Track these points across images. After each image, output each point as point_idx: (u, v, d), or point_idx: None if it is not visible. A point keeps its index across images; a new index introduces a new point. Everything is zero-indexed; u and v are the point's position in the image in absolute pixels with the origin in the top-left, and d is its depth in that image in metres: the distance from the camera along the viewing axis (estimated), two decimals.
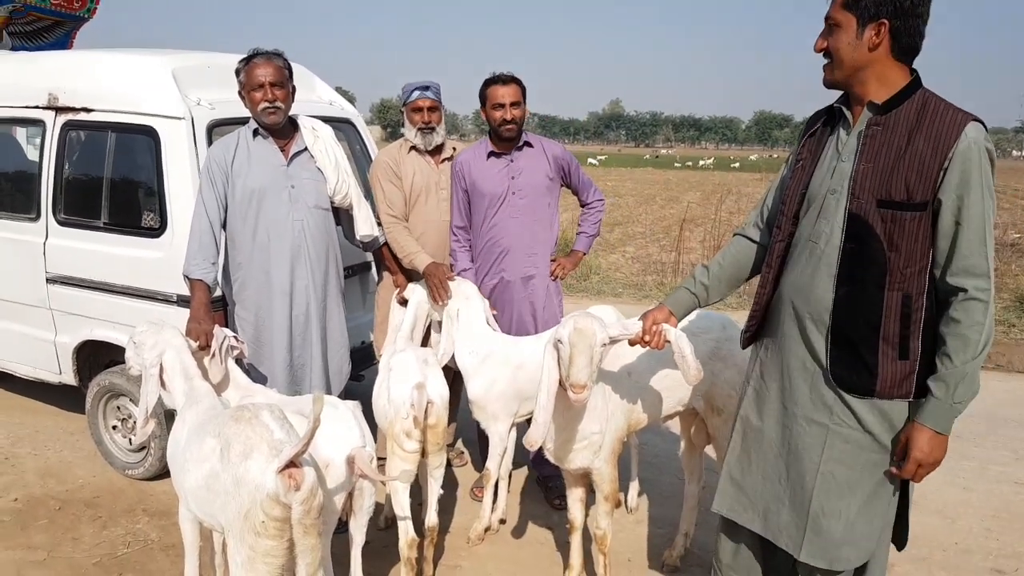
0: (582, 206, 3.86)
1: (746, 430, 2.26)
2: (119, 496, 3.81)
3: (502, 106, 3.45)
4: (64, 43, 10.36)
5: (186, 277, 3.12)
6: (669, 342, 2.35)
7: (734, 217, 15.83)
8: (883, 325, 1.92)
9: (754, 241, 2.36)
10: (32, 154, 5.10)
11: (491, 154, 3.56)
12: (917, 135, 1.85)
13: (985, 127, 1.85)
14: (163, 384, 2.67)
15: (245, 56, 3.17)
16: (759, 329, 2.26)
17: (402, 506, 2.77)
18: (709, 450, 3.20)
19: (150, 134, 3.55)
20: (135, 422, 3.84)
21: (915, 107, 1.88)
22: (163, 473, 3.90)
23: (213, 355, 2.81)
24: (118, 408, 3.97)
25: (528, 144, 3.59)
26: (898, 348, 1.92)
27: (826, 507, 2.03)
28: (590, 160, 53.72)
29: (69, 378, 4.07)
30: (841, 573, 2.09)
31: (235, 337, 2.96)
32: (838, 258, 1.97)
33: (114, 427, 4.02)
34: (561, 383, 2.40)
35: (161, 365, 2.65)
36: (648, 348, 2.42)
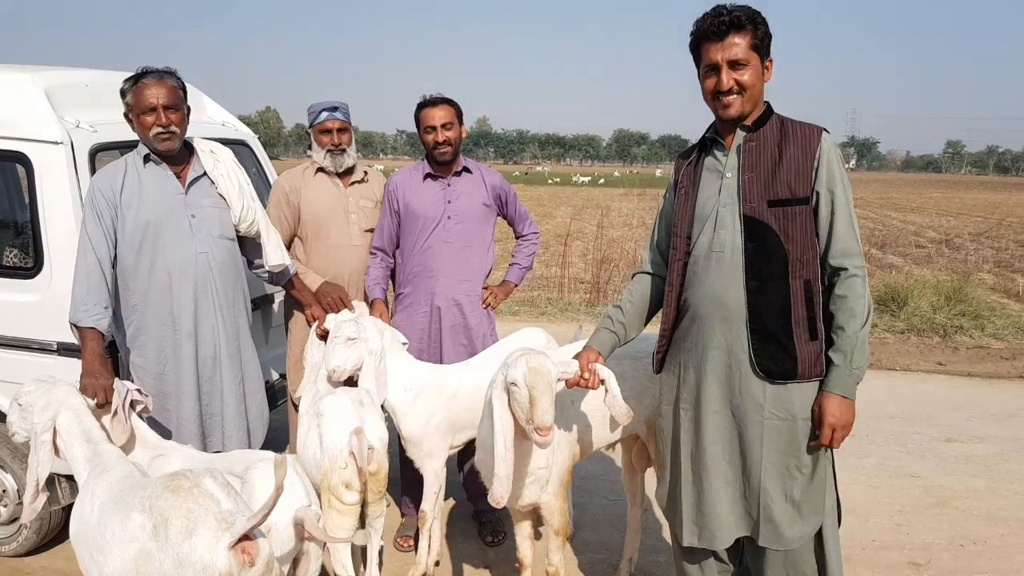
0: (517, 238, 3.78)
1: (693, 454, 2.33)
2: None
3: (433, 128, 3.32)
4: None
5: (74, 325, 2.73)
6: (603, 381, 2.36)
7: (607, 232, 16.28)
8: (793, 311, 2.14)
9: (653, 275, 2.52)
10: None
11: (428, 176, 3.42)
12: (786, 145, 2.16)
13: (830, 133, 2.20)
14: (57, 451, 2.32)
15: (133, 75, 2.84)
16: (669, 351, 2.39)
17: (344, 565, 2.53)
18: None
19: (21, 161, 3.12)
20: (3, 491, 3.40)
21: (776, 125, 2.20)
22: (40, 547, 3.46)
23: (115, 413, 2.47)
24: None
25: (467, 169, 3.47)
26: (808, 330, 2.14)
27: (775, 496, 2.20)
28: None
29: None
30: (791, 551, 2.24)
31: (138, 390, 2.62)
32: (743, 259, 2.17)
33: None
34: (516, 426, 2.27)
35: (55, 429, 2.30)
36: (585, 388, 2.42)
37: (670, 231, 2.40)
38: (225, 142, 3.32)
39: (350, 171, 3.55)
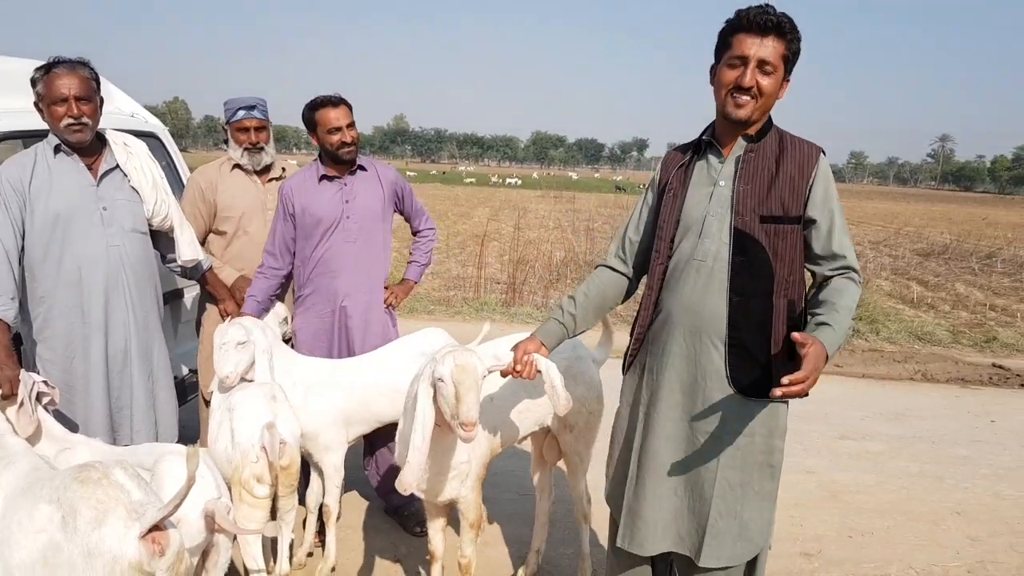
0: (413, 234, 3.82)
1: (640, 457, 2.32)
2: None
3: (339, 129, 3.30)
4: None
5: None
6: (540, 372, 2.38)
7: (524, 233, 16.49)
8: (773, 329, 2.12)
9: (616, 271, 2.48)
10: None
11: (323, 177, 3.41)
12: (783, 160, 2.14)
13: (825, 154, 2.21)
14: None
15: (44, 64, 2.79)
16: (638, 353, 2.37)
17: (255, 557, 2.55)
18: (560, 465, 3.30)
19: None
20: None
21: (775, 138, 2.18)
22: None
23: (21, 404, 2.43)
24: None
25: (362, 168, 3.47)
26: (786, 350, 2.10)
27: (723, 511, 2.19)
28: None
29: None
30: (733, 568, 2.25)
31: (44, 382, 2.58)
32: (728, 272, 2.14)
33: None
34: (439, 421, 2.32)
35: None
36: (519, 378, 2.42)
37: (648, 229, 2.38)
38: (134, 134, 3.28)
39: (268, 168, 3.56)
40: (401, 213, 3.70)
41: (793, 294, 2.14)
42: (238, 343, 2.87)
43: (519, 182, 60.91)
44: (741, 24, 2.08)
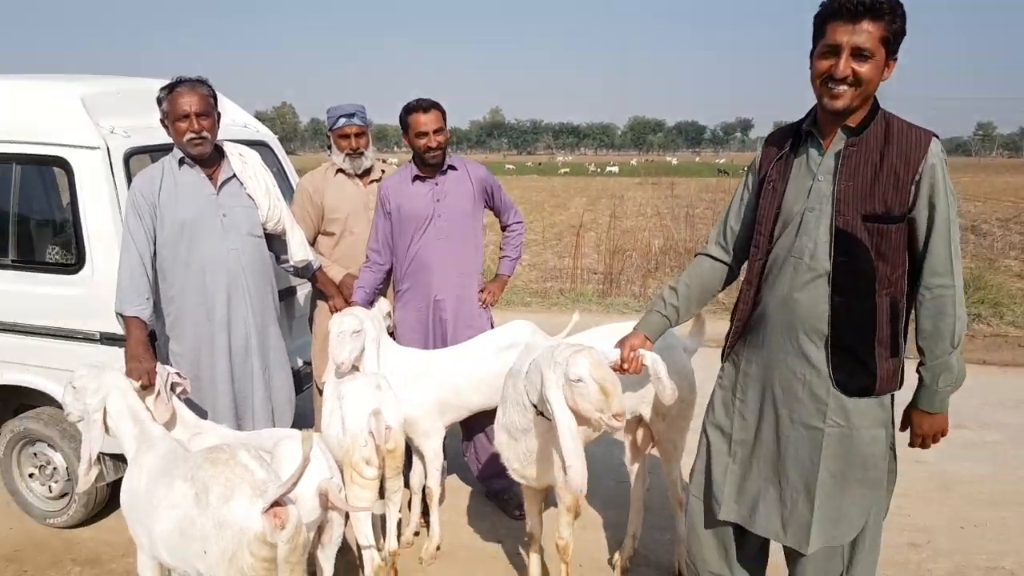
0: (503, 228, 3.96)
1: (743, 442, 2.36)
2: (42, 548, 3.59)
3: (425, 134, 3.48)
4: None
5: (119, 315, 2.99)
6: (646, 366, 2.46)
7: (621, 222, 16.38)
8: (877, 328, 2.08)
9: (717, 259, 2.48)
10: None
11: (416, 178, 3.61)
12: (888, 153, 2.02)
13: (939, 139, 2.06)
14: (107, 429, 2.57)
15: (168, 84, 3.07)
16: (737, 344, 2.38)
17: (366, 534, 2.77)
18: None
19: (62, 165, 3.37)
20: (54, 469, 3.68)
21: (880, 128, 2.05)
22: (88, 520, 3.73)
23: (158, 394, 2.72)
24: (34, 455, 3.72)
25: (452, 167, 3.64)
26: (890, 347, 2.10)
27: (825, 501, 2.20)
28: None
29: None
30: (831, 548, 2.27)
31: (177, 373, 2.87)
32: (829, 271, 2.09)
33: (31, 475, 3.77)
34: (580, 420, 2.39)
35: (105, 409, 2.55)
36: (626, 374, 2.48)
37: (747, 221, 2.35)
38: (247, 143, 3.55)
39: (368, 171, 3.78)
40: (492, 209, 3.84)
41: (896, 291, 2.09)
42: (353, 331, 3.10)
43: (617, 170, 60.12)
44: (832, 9, 1.99)
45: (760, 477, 2.32)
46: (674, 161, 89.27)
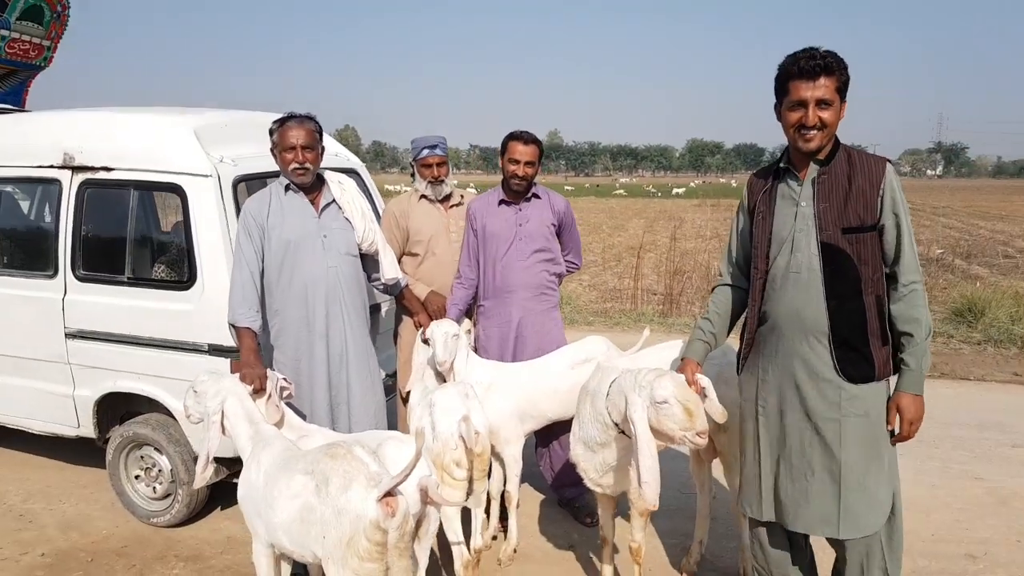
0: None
1: (770, 444, 2.63)
2: (147, 544, 3.90)
3: (518, 162, 3.77)
4: (20, 91, 10.26)
5: (232, 326, 3.29)
6: (704, 388, 2.71)
7: (680, 244, 16.44)
8: (868, 323, 2.44)
9: (734, 286, 2.83)
10: (27, 210, 5.17)
11: (502, 201, 3.88)
12: (855, 176, 2.44)
13: (892, 164, 2.49)
14: (223, 430, 2.84)
15: (280, 117, 3.39)
16: (750, 356, 2.68)
17: (455, 531, 2.99)
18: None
19: (177, 191, 3.71)
20: (159, 471, 3.99)
21: (844, 158, 2.48)
22: (189, 520, 4.04)
23: (269, 397, 2.99)
24: (141, 458, 4.05)
25: (536, 196, 3.92)
26: (880, 337, 2.46)
27: (853, 487, 2.48)
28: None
29: (88, 431, 4.13)
30: (871, 536, 2.52)
31: (284, 379, 3.14)
32: (822, 280, 2.45)
33: (136, 477, 4.10)
34: (660, 438, 2.63)
35: (223, 412, 2.82)
36: None
37: (747, 248, 2.70)
38: (338, 171, 3.85)
39: (448, 197, 4.05)
40: (559, 238, 4.06)
41: (878, 289, 2.44)
42: (453, 335, 3.45)
43: (683, 191, 60.00)
44: (793, 72, 2.39)
45: (790, 476, 2.57)
46: (734, 183, 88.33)
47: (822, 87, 2.37)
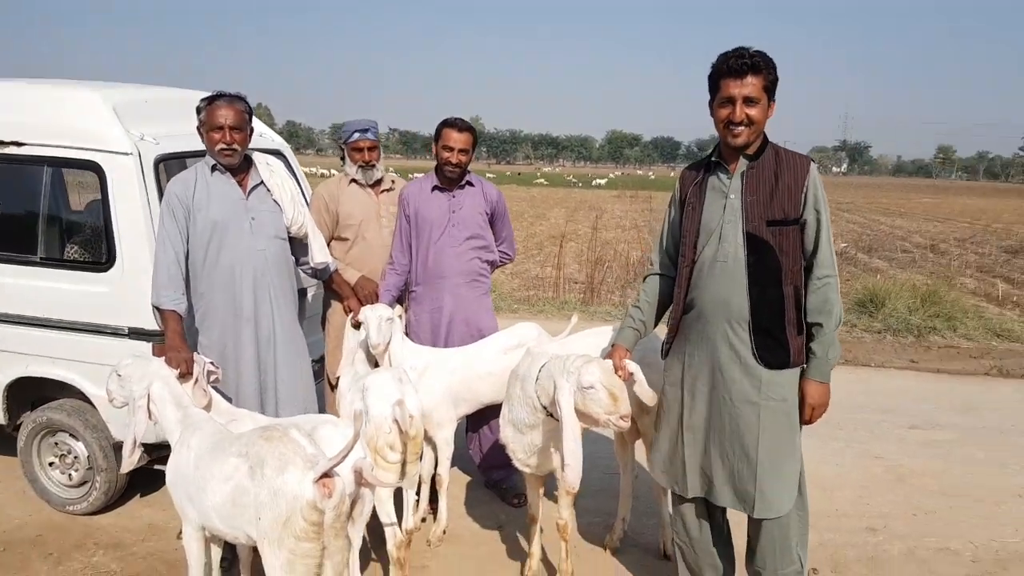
0: None
1: (693, 424, 2.76)
2: (64, 532, 3.78)
3: (451, 149, 3.79)
4: None
5: (156, 308, 3.22)
6: (632, 372, 2.82)
7: (601, 234, 16.75)
8: (786, 312, 2.57)
9: (663, 275, 2.94)
10: None
11: (435, 188, 3.89)
12: (781, 172, 2.56)
13: (815, 163, 2.63)
14: (150, 415, 2.78)
15: (209, 96, 3.31)
16: (675, 340, 2.81)
17: (388, 513, 3.02)
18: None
19: (95, 169, 3.57)
20: (75, 457, 3.86)
21: (772, 154, 2.60)
22: (106, 507, 3.93)
23: (196, 381, 2.95)
24: (55, 444, 3.91)
25: (470, 183, 3.96)
26: (796, 326, 2.58)
27: (769, 469, 2.62)
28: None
29: None
30: (781, 518, 2.68)
31: (211, 363, 3.10)
32: (745, 269, 2.56)
33: (51, 464, 3.96)
34: (586, 421, 2.73)
35: (149, 396, 2.77)
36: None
37: (677, 239, 2.80)
38: (262, 152, 3.77)
39: (379, 181, 4.05)
40: (492, 227, 4.11)
41: (797, 281, 2.57)
42: (387, 318, 3.46)
43: (604, 182, 60.69)
44: (723, 70, 2.51)
45: (714, 455, 2.71)
46: (652, 176, 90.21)
47: (749, 85, 2.47)
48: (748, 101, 2.49)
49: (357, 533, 2.73)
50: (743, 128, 2.52)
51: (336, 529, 2.28)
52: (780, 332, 2.57)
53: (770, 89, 2.52)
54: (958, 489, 4.53)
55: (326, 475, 2.23)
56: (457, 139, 3.80)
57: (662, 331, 2.95)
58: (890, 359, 7.59)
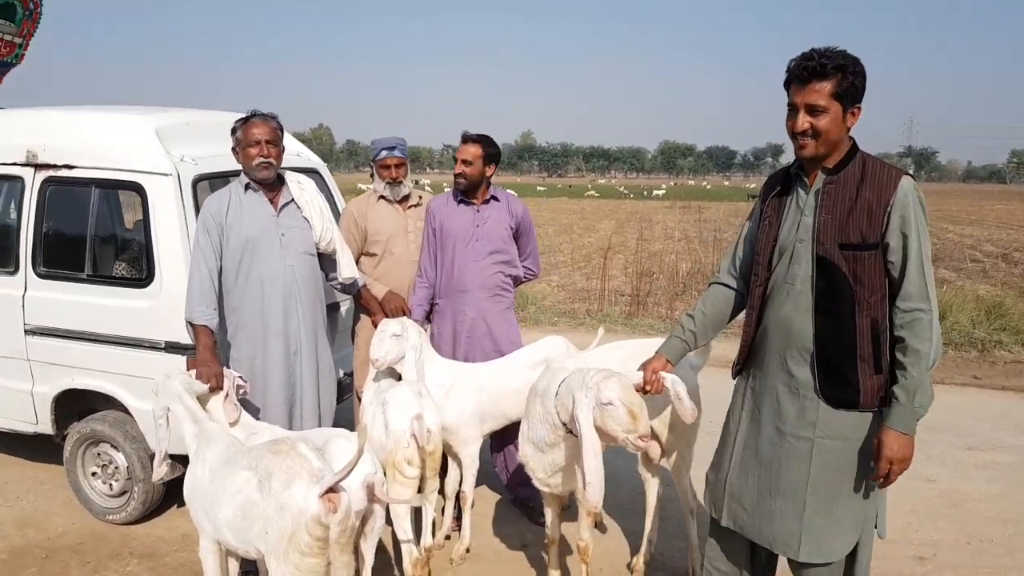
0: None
1: (744, 451, 2.58)
2: (103, 541, 3.91)
3: (458, 161, 3.89)
4: None
5: (190, 323, 3.33)
6: (667, 387, 2.71)
7: (649, 245, 16.61)
8: (858, 346, 2.29)
9: (728, 287, 2.73)
10: None
11: (461, 201, 3.95)
12: (863, 189, 2.27)
13: (914, 178, 2.30)
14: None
15: (243, 116, 3.45)
16: (746, 361, 2.63)
17: (405, 530, 3.04)
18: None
19: (137, 190, 3.73)
20: (116, 468, 4.00)
21: (858, 167, 2.31)
22: (145, 517, 4.05)
23: (227, 395, 3.03)
24: (98, 455, 4.06)
25: (495, 198, 4.00)
26: (873, 365, 2.29)
27: (818, 510, 2.38)
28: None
29: (46, 427, 4.13)
30: (832, 564, 2.43)
31: (240, 377, 3.18)
32: (813, 295, 2.34)
33: (93, 474, 4.11)
34: (605, 438, 2.63)
35: (169, 411, 2.86)
36: (649, 394, 2.73)
37: (750, 252, 2.61)
38: (299, 171, 3.89)
39: (407, 197, 4.12)
40: (516, 242, 4.13)
41: (876, 313, 2.28)
42: (393, 334, 3.44)
43: (662, 193, 59.68)
44: (789, 76, 2.31)
45: (755, 488, 2.52)
46: (708, 186, 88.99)
47: (813, 92, 2.25)
48: (812, 110, 2.26)
49: (370, 549, 2.76)
50: (808, 140, 2.29)
51: (342, 544, 2.31)
52: (850, 368, 2.30)
53: (843, 96, 2.25)
54: (1017, 516, 4.29)
55: (332, 490, 2.27)
56: (463, 150, 3.88)
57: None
58: (950, 374, 7.24)
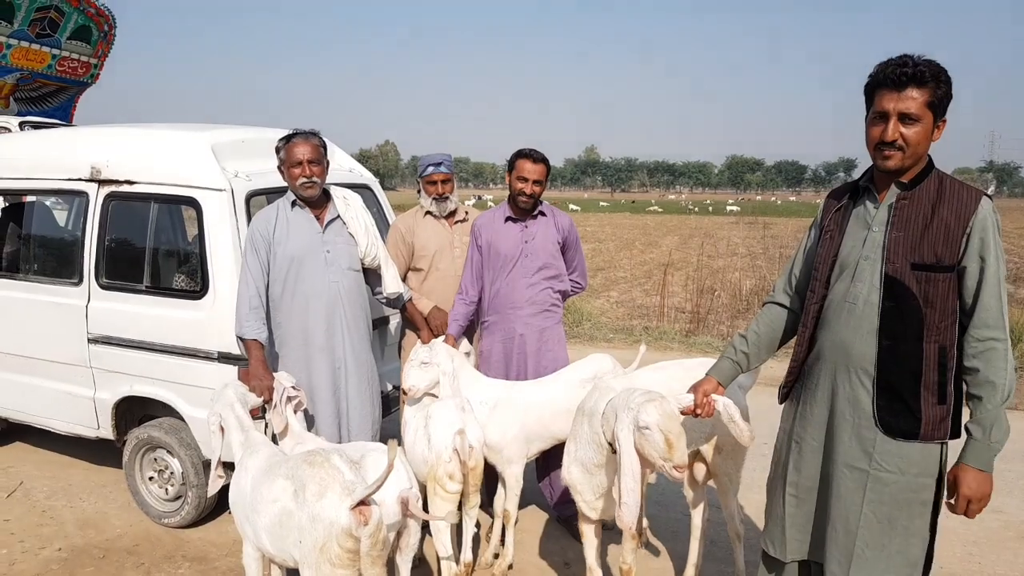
0: None
1: (798, 481, 2.46)
2: (157, 544, 4.03)
3: (526, 180, 3.81)
4: (68, 107, 10.77)
5: (240, 338, 3.41)
6: (718, 410, 2.62)
7: (712, 261, 16.33)
8: (923, 374, 2.16)
9: (784, 307, 2.61)
10: (62, 221, 5.40)
11: (508, 219, 3.94)
12: (940, 207, 2.14)
13: (991, 199, 2.18)
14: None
15: (285, 135, 3.52)
16: (794, 384, 2.51)
17: (445, 545, 3.05)
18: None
19: (193, 205, 3.86)
20: (171, 473, 4.12)
21: (934, 184, 2.19)
22: (198, 521, 4.16)
23: (275, 406, 3.10)
24: (155, 460, 4.19)
25: (542, 213, 3.98)
26: (937, 394, 2.16)
27: (870, 542, 2.26)
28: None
29: (107, 432, 4.30)
30: None
31: (294, 387, 3.24)
32: (878, 316, 2.20)
33: (150, 478, 4.24)
34: (644, 462, 2.54)
35: (220, 418, 2.94)
36: (700, 418, 2.65)
37: (809, 269, 2.46)
38: (350, 187, 3.96)
39: (453, 213, 4.14)
40: (563, 255, 4.09)
41: (945, 339, 2.15)
42: (421, 363, 3.45)
43: (738, 208, 58.11)
44: (880, 79, 2.15)
45: (812, 515, 2.42)
46: (777, 201, 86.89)
47: (909, 99, 2.10)
48: (905, 118, 2.11)
49: (406, 564, 2.77)
50: (895, 151, 2.14)
51: (373, 557, 2.32)
52: (912, 396, 2.17)
53: (936, 106, 2.11)
54: None
55: (363, 502, 2.28)
56: (532, 170, 3.82)
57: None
58: (1022, 399, 6.91)
